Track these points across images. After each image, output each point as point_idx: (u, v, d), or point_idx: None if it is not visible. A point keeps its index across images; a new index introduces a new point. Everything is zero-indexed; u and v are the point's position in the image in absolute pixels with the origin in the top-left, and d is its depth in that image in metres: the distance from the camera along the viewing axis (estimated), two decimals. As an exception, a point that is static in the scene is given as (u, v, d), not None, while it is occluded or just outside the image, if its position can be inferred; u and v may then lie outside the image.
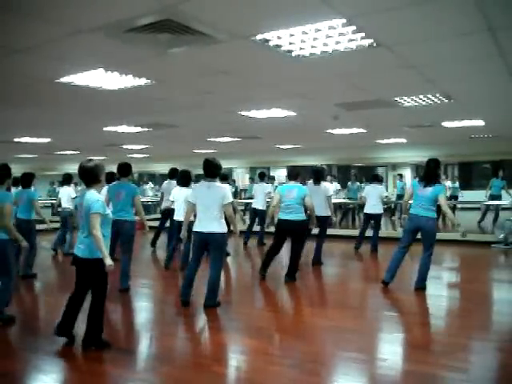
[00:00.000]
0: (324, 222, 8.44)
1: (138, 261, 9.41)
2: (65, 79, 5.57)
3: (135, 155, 19.27)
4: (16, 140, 12.61)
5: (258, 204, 11.10)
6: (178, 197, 8.18)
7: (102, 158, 21.25)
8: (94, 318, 4.53)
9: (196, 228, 5.76)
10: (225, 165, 24.20)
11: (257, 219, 11.35)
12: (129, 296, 6.71)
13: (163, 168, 25.79)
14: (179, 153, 19.72)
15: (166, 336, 5.08)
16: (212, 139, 13.43)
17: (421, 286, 6.54)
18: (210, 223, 5.62)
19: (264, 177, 11.72)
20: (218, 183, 5.81)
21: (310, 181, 8.53)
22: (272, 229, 7.93)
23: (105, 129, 10.46)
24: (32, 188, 7.84)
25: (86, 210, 4.32)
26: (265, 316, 5.83)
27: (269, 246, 7.60)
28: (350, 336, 4.98)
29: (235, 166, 21.97)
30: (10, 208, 5.32)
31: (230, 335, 5.14)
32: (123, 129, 10.50)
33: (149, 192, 21.59)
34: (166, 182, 10.11)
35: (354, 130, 11.37)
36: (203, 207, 5.69)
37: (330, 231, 8.91)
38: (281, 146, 16.63)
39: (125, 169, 6.98)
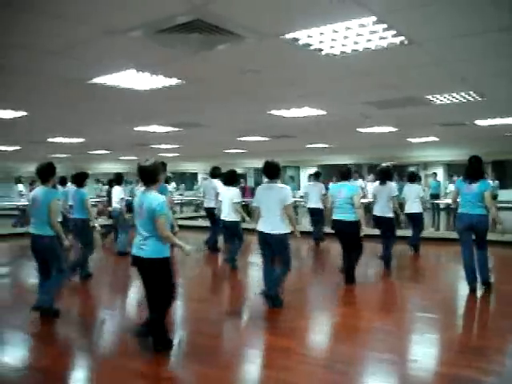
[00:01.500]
0: (386, 223, 8.21)
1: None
2: (97, 80, 5.66)
3: (165, 154, 19.46)
4: (50, 140, 12.87)
5: (313, 203, 11.08)
6: (224, 196, 8.25)
7: (134, 157, 21.54)
8: (159, 320, 4.47)
9: (258, 227, 5.87)
10: (254, 164, 24.18)
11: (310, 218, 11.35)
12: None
13: (193, 167, 26.00)
14: (209, 152, 19.82)
15: (197, 334, 5.09)
16: (242, 139, 13.47)
17: (487, 280, 6.52)
18: (271, 224, 5.72)
19: (319, 176, 11.63)
20: (279, 184, 5.90)
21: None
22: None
23: (136, 128, 10.59)
24: (86, 188, 7.97)
25: (148, 211, 4.25)
26: (297, 316, 5.81)
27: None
28: (381, 337, 4.94)
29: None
30: (54, 205, 5.48)
31: (261, 334, 5.15)
32: (154, 128, 10.62)
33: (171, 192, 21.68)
34: (206, 180, 10.16)
35: (385, 129, 11.26)
36: (265, 208, 5.80)
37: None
38: (311, 146, 16.57)
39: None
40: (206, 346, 4.75)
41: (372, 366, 4.28)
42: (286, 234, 5.75)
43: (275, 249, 5.85)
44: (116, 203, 9.81)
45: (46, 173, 5.58)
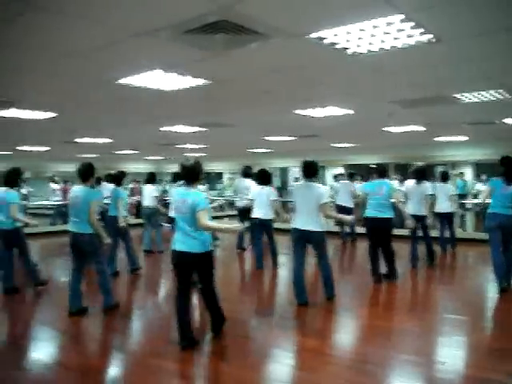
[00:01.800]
0: (421, 220, 8.31)
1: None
2: (124, 81, 5.72)
3: (191, 154, 19.58)
4: (78, 141, 13.05)
5: (341, 201, 11.17)
6: (258, 195, 8.26)
7: (159, 157, 21.71)
8: (216, 304, 4.89)
9: (294, 224, 6.00)
10: (280, 164, 24.02)
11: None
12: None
13: (218, 167, 26.06)
14: (235, 152, 19.87)
15: (225, 334, 5.06)
16: (268, 138, 13.47)
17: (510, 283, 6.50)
18: (307, 222, 5.88)
19: (353, 176, 11.84)
20: (316, 183, 6.02)
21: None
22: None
23: (162, 129, 10.67)
24: (121, 187, 8.18)
25: (192, 206, 4.42)
26: (324, 316, 5.80)
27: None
28: (409, 338, 4.90)
29: (291, 164, 21.93)
30: (94, 205, 5.70)
31: (289, 335, 5.14)
32: (180, 128, 10.68)
33: None
34: (237, 179, 10.26)
35: (413, 128, 11.14)
36: (302, 206, 5.95)
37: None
38: (337, 145, 16.47)
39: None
40: (234, 346, 4.77)
41: (399, 367, 4.25)
42: (321, 232, 5.90)
43: (313, 247, 6.04)
44: (147, 201, 9.95)
45: (86, 173, 5.80)
